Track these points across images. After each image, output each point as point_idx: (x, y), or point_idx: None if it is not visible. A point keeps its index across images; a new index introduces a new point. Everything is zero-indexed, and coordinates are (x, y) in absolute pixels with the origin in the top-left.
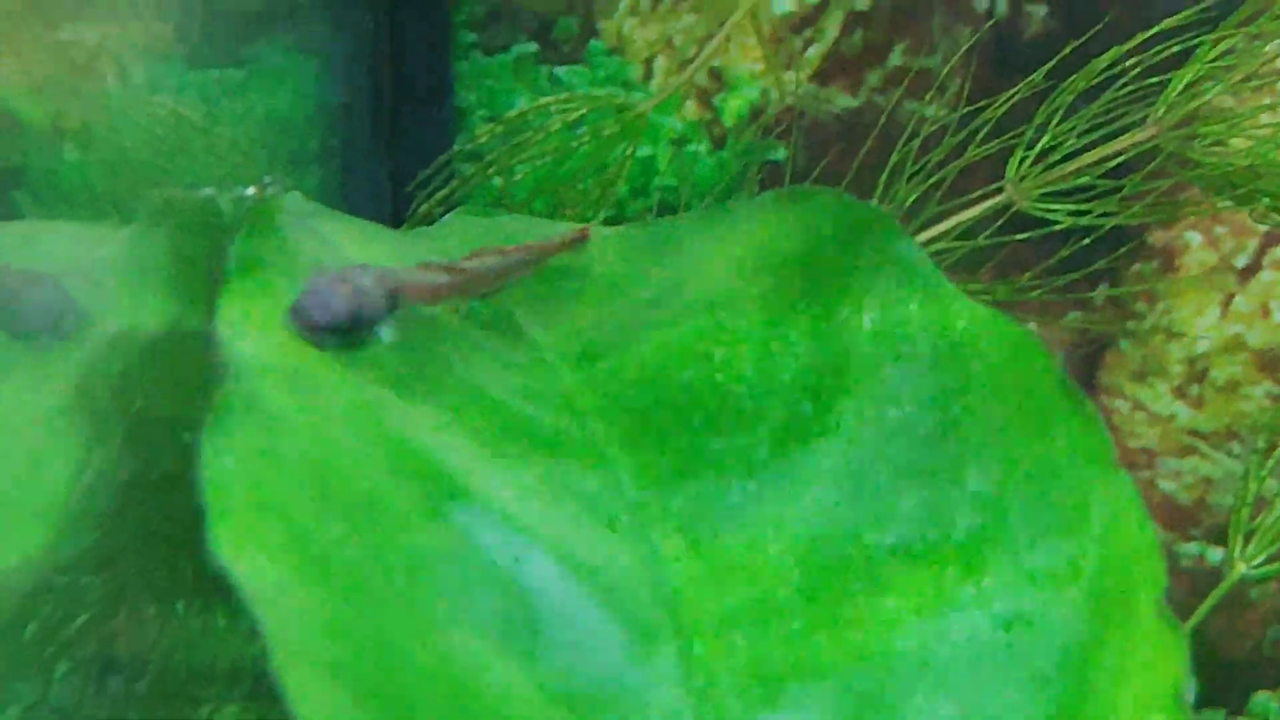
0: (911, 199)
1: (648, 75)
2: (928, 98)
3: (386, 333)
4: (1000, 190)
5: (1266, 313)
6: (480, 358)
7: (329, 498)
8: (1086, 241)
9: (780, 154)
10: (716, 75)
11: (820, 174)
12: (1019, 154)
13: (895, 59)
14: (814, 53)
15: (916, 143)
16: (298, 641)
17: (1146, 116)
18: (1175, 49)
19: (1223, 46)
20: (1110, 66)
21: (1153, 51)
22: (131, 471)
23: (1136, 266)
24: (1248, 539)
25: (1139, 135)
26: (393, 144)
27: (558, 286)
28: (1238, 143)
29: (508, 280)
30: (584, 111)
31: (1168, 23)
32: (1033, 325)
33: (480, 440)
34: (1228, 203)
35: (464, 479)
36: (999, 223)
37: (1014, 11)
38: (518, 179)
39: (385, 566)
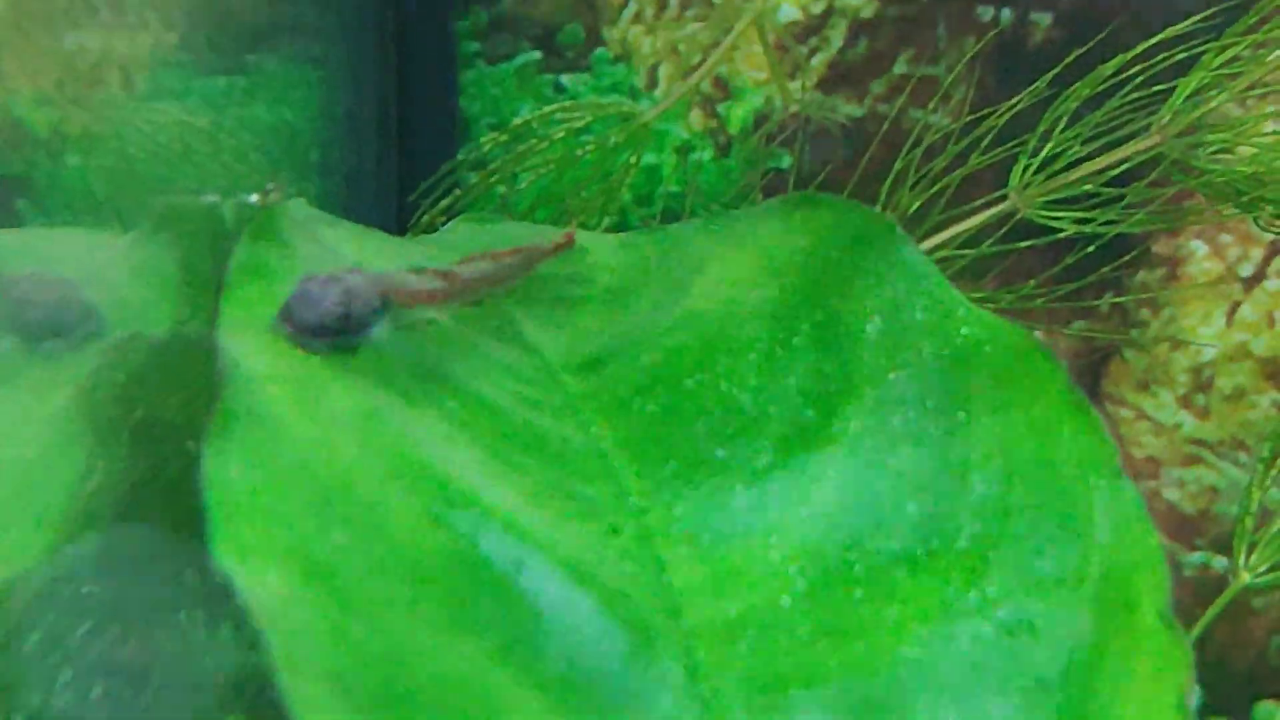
0: (915, 207)
1: (652, 83)
2: (932, 106)
3: (378, 335)
4: (1004, 198)
5: (1272, 321)
6: (483, 364)
7: (331, 505)
8: (1090, 250)
9: (785, 162)
10: (721, 83)
11: (824, 182)
12: (1023, 162)
13: (900, 67)
14: (819, 61)
15: (920, 151)
16: (300, 649)
17: (1151, 124)
18: (1179, 57)
19: (1227, 55)
20: (1114, 74)
21: (1157, 59)
22: (135, 478)
23: (1141, 275)
24: (1252, 548)
25: (1143, 143)
26: (397, 153)
27: (561, 293)
28: (1243, 150)
29: (499, 285)
30: (588, 120)
31: (1171, 31)
32: (1037, 334)
33: (483, 447)
34: (1233, 211)
35: (466, 486)
36: (1003, 230)
37: (1018, 20)
38: (522, 187)
39: (387, 574)
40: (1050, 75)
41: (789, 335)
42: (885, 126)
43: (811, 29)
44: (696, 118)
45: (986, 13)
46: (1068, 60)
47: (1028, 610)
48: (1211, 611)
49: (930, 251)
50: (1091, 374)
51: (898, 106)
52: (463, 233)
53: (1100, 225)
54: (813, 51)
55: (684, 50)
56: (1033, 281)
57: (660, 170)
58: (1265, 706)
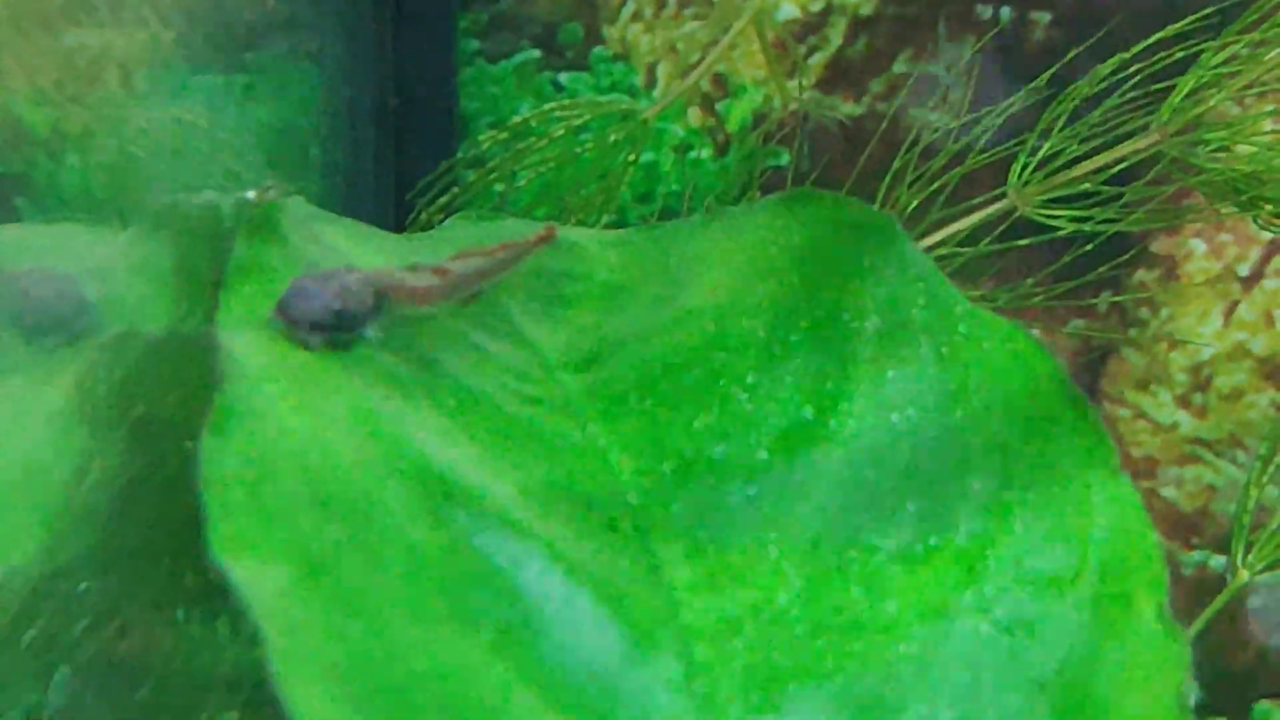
0: (914, 205)
1: (651, 82)
2: (931, 104)
3: (373, 332)
4: (1003, 196)
5: (1270, 321)
6: (481, 360)
7: (328, 501)
8: (1089, 248)
9: (783, 160)
10: (720, 82)
11: (823, 180)
12: (1021, 160)
13: (899, 66)
14: (817, 59)
15: (919, 149)
16: (296, 645)
17: (1149, 123)
18: (1178, 56)
19: (1226, 53)
20: (1113, 73)
21: (1156, 58)
22: (132, 475)
23: (1140, 274)
24: (1249, 547)
25: (1142, 142)
26: (396, 151)
27: (559, 290)
28: (1241, 149)
29: (490, 280)
30: (587, 118)
31: (1170, 29)
32: (1035, 332)
33: (480, 443)
34: (1231, 209)
35: (463, 482)
36: (1001, 229)
37: (1018, 19)
38: (521, 185)
39: (384, 570)
40: (1049, 74)
41: (787, 332)
42: (884, 125)
43: (810, 27)
44: (695, 116)
45: (986, 11)
46: (1066, 59)
47: (1025, 608)
48: (1210, 610)
49: (929, 249)
50: (1090, 373)
51: (896, 105)
52: (460, 230)
53: (1099, 224)
54: (811, 50)
55: (683, 49)
56: (1031, 280)
57: (659, 168)
58: (1264, 706)
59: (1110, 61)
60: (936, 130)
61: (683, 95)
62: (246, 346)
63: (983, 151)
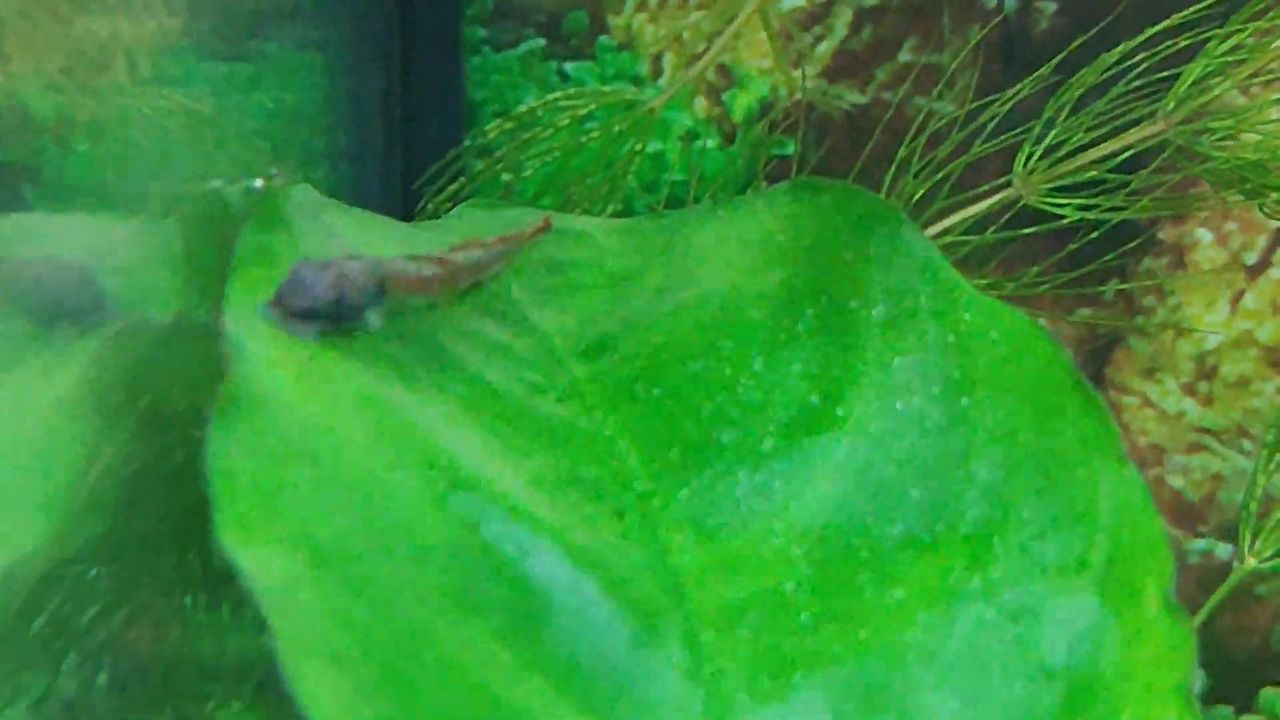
0: (919, 193)
1: (657, 71)
2: (936, 93)
3: (374, 320)
4: (1008, 185)
5: (1276, 309)
6: (487, 348)
7: (335, 489)
8: (1095, 237)
9: (789, 149)
10: (726, 71)
11: (828, 169)
12: (1027, 149)
13: (904, 55)
14: (823, 49)
15: (924, 138)
16: (304, 632)
17: (1155, 112)
18: (1184, 44)
19: (1231, 42)
20: (1119, 62)
21: (1161, 47)
22: (141, 463)
23: (1146, 262)
24: (1256, 535)
25: (1147, 130)
26: (402, 139)
27: (566, 278)
28: (1247, 137)
29: (491, 270)
30: (593, 107)
31: (1176, 18)
32: (1042, 321)
33: (487, 431)
34: (1237, 197)
35: (470, 470)
36: (1006, 217)
37: (1023, 7)
38: (527, 174)
39: (392, 557)
40: (1054, 62)
41: (793, 321)
42: (889, 114)
43: (816, 16)
44: (701, 105)
45: (991, 0)
46: (1072, 47)
47: (1031, 595)
48: (1216, 597)
49: (934, 238)
50: (1096, 361)
51: (902, 94)
52: (467, 219)
53: (1104, 212)
54: (817, 39)
55: (688, 38)
56: (1036, 268)
57: (665, 157)
58: (1269, 693)
59: (1115, 50)
60: (942, 119)
61: (688, 85)
62: (253, 334)
63: (988, 140)
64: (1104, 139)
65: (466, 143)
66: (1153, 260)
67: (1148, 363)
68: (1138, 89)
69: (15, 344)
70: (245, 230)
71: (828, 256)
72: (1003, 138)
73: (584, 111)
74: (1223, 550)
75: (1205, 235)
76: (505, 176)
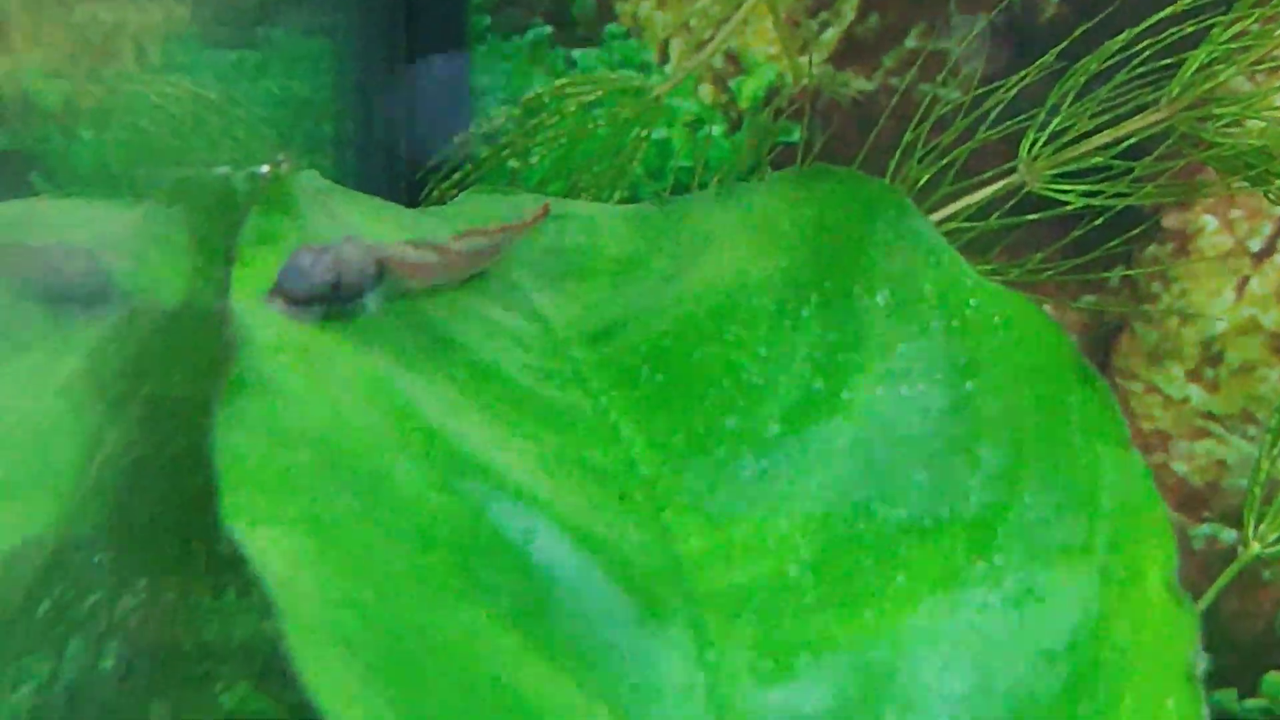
0: (924, 179)
1: (664, 58)
2: (941, 79)
3: (373, 303)
4: (1013, 171)
5: None
6: (492, 333)
7: (340, 472)
8: (1100, 223)
9: (795, 136)
10: (733, 58)
11: (834, 155)
12: (1031, 135)
13: (910, 42)
14: (830, 36)
15: (929, 124)
16: (309, 615)
17: (1160, 98)
18: (1188, 30)
19: (1236, 29)
20: (1123, 48)
21: (1166, 34)
22: (146, 448)
23: (1151, 249)
24: (1260, 519)
25: (1152, 116)
26: (408, 125)
27: (571, 264)
28: (1252, 124)
29: (490, 259)
30: (600, 94)
31: (1181, 4)
32: (1047, 307)
33: (492, 415)
34: (1242, 184)
35: (475, 454)
36: (1011, 203)
37: None
38: (534, 161)
39: (397, 540)
40: (1059, 49)
41: (798, 306)
42: (895, 100)
43: (823, 3)
44: (707, 92)
45: None
46: (1076, 34)
47: (1035, 580)
48: (1220, 581)
49: (939, 224)
50: (1101, 347)
51: (908, 80)
52: (473, 206)
53: (1109, 198)
54: (824, 26)
55: (695, 25)
56: (1041, 255)
57: (671, 144)
58: (1274, 677)
59: (1120, 37)
60: (947, 105)
61: (695, 72)
62: (259, 319)
63: (993, 126)
64: (1109, 125)
65: (472, 129)
66: (1157, 246)
67: (1153, 349)
68: (1142, 75)
69: (22, 328)
70: (251, 216)
71: (832, 243)
72: (1008, 124)
73: (590, 98)
74: (1227, 535)
75: (1210, 221)
76: (512, 163)
